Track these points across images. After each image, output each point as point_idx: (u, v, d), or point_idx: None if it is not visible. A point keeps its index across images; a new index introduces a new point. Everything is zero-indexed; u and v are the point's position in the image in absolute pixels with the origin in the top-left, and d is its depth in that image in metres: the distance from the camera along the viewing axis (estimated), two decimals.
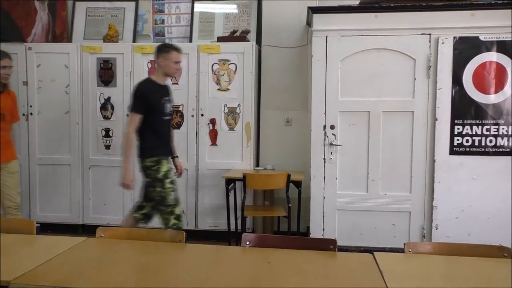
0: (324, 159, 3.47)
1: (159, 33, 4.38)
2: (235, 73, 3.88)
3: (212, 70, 3.89)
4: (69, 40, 4.33)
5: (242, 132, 3.90)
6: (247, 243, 1.88)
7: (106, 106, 4.05)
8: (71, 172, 4.10)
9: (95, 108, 4.04)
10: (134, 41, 4.27)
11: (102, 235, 1.95)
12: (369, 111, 3.40)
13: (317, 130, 3.47)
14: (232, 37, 4.03)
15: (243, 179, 3.45)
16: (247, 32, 4.09)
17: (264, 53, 4.07)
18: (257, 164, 4.07)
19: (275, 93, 4.09)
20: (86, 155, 4.07)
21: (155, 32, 4.38)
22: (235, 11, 4.22)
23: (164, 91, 3.07)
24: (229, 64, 3.86)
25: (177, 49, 3.05)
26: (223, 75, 3.88)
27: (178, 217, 3.00)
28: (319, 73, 3.44)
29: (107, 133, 4.05)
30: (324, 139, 3.46)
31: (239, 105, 3.90)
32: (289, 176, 3.49)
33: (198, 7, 4.28)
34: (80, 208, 4.11)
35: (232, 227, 3.73)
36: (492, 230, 3.29)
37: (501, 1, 3.25)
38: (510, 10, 3.24)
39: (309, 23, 3.70)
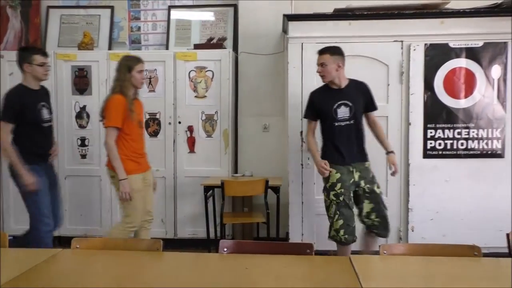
0: (302, 164, 3.49)
1: (135, 41, 4.36)
2: (212, 80, 3.89)
3: (189, 77, 3.89)
4: (43, 47, 4.26)
5: (220, 139, 3.90)
6: (225, 249, 1.88)
7: (82, 114, 3.99)
8: None
9: (70, 117, 3.97)
10: (109, 48, 4.23)
11: (78, 246, 1.91)
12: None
13: (294, 136, 3.50)
14: (209, 45, 4.05)
15: (222, 186, 3.45)
16: (223, 39, 4.12)
17: (241, 60, 4.09)
18: (236, 171, 4.07)
19: (252, 99, 4.10)
20: (61, 165, 3.98)
21: (131, 40, 4.36)
22: (212, 18, 4.24)
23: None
24: (206, 71, 3.87)
25: None
26: (200, 82, 3.88)
27: None
28: (295, 80, 3.48)
29: (82, 142, 3.99)
30: (301, 145, 3.48)
31: (216, 112, 3.90)
32: (267, 182, 3.50)
33: (175, 14, 4.27)
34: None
35: (212, 235, 3.71)
36: (465, 230, 3.37)
37: (469, 10, 3.36)
38: (478, 18, 3.36)
39: (285, 31, 3.70)
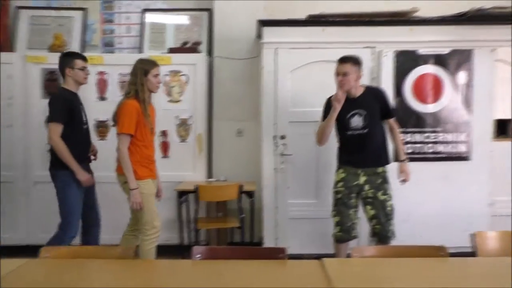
0: (276, 169, 3.52)
1: (108, 44, 4.29)
2: (186, 85, 3.87)
3: (164, 81, 3.85)
4: (12, 49, 4.14)
5: (194, 144, 3.88)
6: (198, 256, 1.88)
7: None
8: (14, 190, 3.86)
9: (40, 121, 3.86)
10: (82, 51, 4.11)
11: (47, 255, 1.87)
12: (317, 121, 3.42)
13: (268, 140, 3.53)
14: (183, 49, 4.02)
15: (196, 191, 3.43)
16: (198, 43, 4.10)
17: (216, 65, 4.08)
18: (210, 176, 4.04)
19: (227, 104, 4.09)
20: (30, 171, 3.86)
21: (104, 43, 4.29)
22: (187, 22, 4.22)
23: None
24: (180, 75, 3.85)
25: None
26: (174, 86, 3.86)
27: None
28: (269, 84, 3.52)
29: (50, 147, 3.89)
30: (275, 149, 3.51)
31: (191, 116, 3.88)
32: (241, 186, 3.51)
33: (149, 17, 4.24)
34: (25, 227, 3.87)
35: (186, 241, 3.68)
36: (435, 231, 3.45)
37: (437, 18, 3.47)
38: (445, 26, 3.48)
39: (259, 36, 3.71)
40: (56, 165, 2.93)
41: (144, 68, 2.83)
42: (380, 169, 2.93)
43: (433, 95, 3.49)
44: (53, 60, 3.82)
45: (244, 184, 3.56)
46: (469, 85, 3.49)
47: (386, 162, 2.97)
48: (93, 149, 3.18)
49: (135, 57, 3.90)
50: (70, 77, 2.97)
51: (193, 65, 3.87)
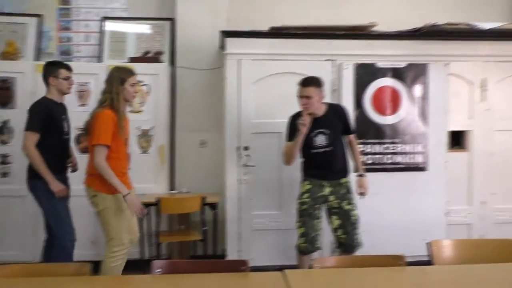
0: (239, 180, 3.52)
1: (65, 52, 4.18)
2: (148, 95, 3.81)
3: None
4: None
5: (155, 155, 3.82)
6: (158, 270, 1.83)
7: (3, 130, 3.72)
8: None
9: None
10: (37, 59, 3.99)
11: None
12: (280, 132, 3.44)
13: (231, 151, 3.53)
14: (144, 58, 3.99)
15: (157, 203, 3.37)
16: (160, 53, 4.07)
17: (179, 75, 4.05)
18: (172, 188, 3.98)
19: (190, 115, 4.06)
20: None
21: (61, 51, 4.17)
22: (148, 31, 4.17)
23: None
24: (141, 85, 3.77)
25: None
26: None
27: None
28: (232, 95, 3.52)
29: (4, 159, 3.71)
30: (239, 160, 3.51)
31: (152, 127, 3.83)
32: (204, 198, 3.48)
33: (109, 26, 4.16)
34: None
35: (147, 255, 3.61)
36: (394, 240, 3.49)
37: (394, 33, 3.60)
38: (401, 41, 3.60)
39: (222, 46, 3.74)
40: (35, 175, 2.89)
41: (120, 76, 2.74)
42: (343, 180, 3.03)
43: (391, 107, 3.59)
44: (5, 68, 3.73)
45: (207, 195, 3.53)
46: (424, 97, 3.61)
47: (348, 173, 3.08)
48: (72, 161, 3.15)
49: (94, 66, 3.91)
50: (53, 86, 2.98)
51: (155, 75, 3.82)
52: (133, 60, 3.91)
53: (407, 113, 3.60)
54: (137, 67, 3.68)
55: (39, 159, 2.85)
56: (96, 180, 2.71)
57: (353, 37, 3.55)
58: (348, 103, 3.55)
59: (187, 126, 4.05)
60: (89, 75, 3.73)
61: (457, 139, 3.78)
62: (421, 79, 3.61)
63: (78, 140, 3.65)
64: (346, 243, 2.99)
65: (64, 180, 3.01)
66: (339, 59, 3.55)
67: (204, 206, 3.48)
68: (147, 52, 4.06)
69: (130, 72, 2.80)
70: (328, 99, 3.50)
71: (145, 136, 3.83)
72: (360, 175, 3.08)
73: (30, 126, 2.88)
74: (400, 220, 3.56)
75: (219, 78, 3.93)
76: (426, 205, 3.58)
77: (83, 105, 3.73)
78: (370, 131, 3.57)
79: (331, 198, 2.99)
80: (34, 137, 2.85)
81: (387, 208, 3.57)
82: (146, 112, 3.81)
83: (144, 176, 3.76)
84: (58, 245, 2.94)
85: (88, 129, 2.75)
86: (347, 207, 2.99)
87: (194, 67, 4.01)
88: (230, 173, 3.52)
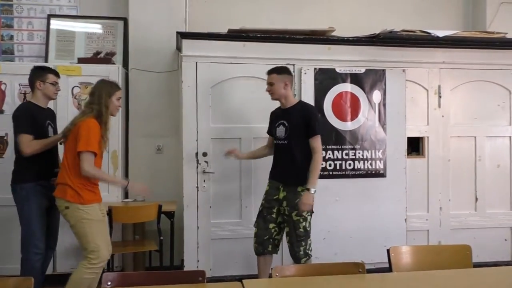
0: (197, 187, 3.47)
1: (7, 51, 4.01)
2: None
3: (72, 94, 3.67)
4: None
5: (108, 162, 3.72)
6: (109, 283, 1.77)
7: None
8: None
9: None
10: None
11: None
12: (240, 138, 3.50)
13: (189, 157, 3.48)
14: (95, 59, 3.94)
15: (109, 212, 3.26)
16: (112, 54, 4.02)
17: (132, 77, 3.97)
18: (126, 196, 3.91)
19: (144, 119, 3.99)
20: None
21: (2, 49, 4.00)
22: (99, 31, 4.08)
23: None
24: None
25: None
26: (85, 99, 3.56)
27: None
28: (190, 99, 3.47)
29: None
30: (197, 167, 3.47)
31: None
32: (160, 206, 3.42)
33: (55, 24, 4.02)
34: None
35: None
36: (354, 247, 3.60)
37: (352, 38, 3.68)
38: (360, 46, 3.67)
39: (179, 48, 3.70)
40: (15, 179, 2.94)
41: (109, 90, 2.83)
42: (300, 189, 2.94)
43: (351, 113, 3.65)
44: None
45: (164, 204, 3.49)
46: (383, 103, 3.69)
47: (304, 182, 2.94)
48: (59, 168, 3.06)
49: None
50: (39, 91, 3.02)
51: (106, 77, 3.65)
52: (82, 61, 3.82)
53: (366, 119, 3.67)
54: (86, 68, 3.69)
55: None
56: (69, 191, 2.69)
57: (312, 42, 3.59)
58: None
59: (142, 131, 3.99)
60: None
61: (415, 145, 3.88)
62: (380, 85, 3.69)
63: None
64: (290, 253, 3.01)
65: (50, 188, 2.93)
66: (298, 63, 3.58)
67: (160, 215, 3.42)
68: (97, 53, 4.00)
69: (117, 86, 2.93)
70: None
71: None
72: (306, 188, 2.90)
73: (21, 129, 2.90)
74: (361, 227, 3.63)
75: (176, 81, 3.91)
76: (386, 212, 3.66)
77: None
78: (331, 136, 3.60)
79: (284, 204, 2.98)
80: (28, 138, 2.88)
81: (348, 215, 3.62)
82: None
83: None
84: (22, 257, 2.93)
85: (67, 136, 2.76)
86: (296, 218, 2.94)
87: (149, 69, 3.96)
88: (188, 180, 3.47)
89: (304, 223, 2.96)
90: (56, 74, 3.08)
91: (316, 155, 2.94)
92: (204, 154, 3.48)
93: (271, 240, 3.02)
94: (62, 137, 2.85)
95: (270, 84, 3.05)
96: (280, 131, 3.03)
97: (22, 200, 2.91)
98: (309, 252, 2.99)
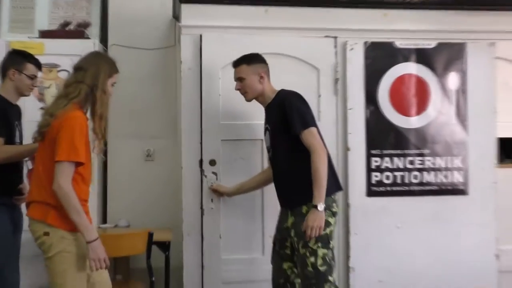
0: (202, 209, 3.30)
1: None
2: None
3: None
4: None
5: None
6: None
7: None
8: None
9: None
10: None
11: None
12: (262, 139, 3.25)
13: (191, 167, 3.35)
14: (63, 32, 3.90)
15: None
16: (86, 25, 3.97)
17: (113, 56, 3.79)
18: (104, 220, 3.95)
19: (129, 114, 3.98)
20: None
21: None
22: None
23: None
24: (58, 71, 3.68)
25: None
26: (49, 87, 3.68)
27: None
28: (191, 86, 3.38)
29: None
30: (201, 180, 3.30)
31: None
32: (150, 235, 3.30)
33: None
34: None
35: None
36: None
37: (419, 0, 3.61)
38: (430, 11, 3.55)
39: (176, 16, 3.66)
40: None
41: (108, 68, 2.64)
42: (304, 209, 2.76)
43: (416, 104, 3.54)
44: None
45: (156, 231, 3.39)
46: (462, 91, 3.58)
47: (306, 198, 2.75)
48: (21, 189, 3.09)
49: None
50: (11, 82, 3.04)
51: (77, 56, 3.43)
52: (45, 34, 3.79)
53: (438, 112, 3.55)
54: (50, 45, 3.63)
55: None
56: (51, 211, 2.54)
57: (362, 5, 3.53)
58: (356, 97, 3.46)
59: (125, 130, 3.98)
60: None
61: (509, 150, 3.79)
62: (457, 64, 3.56)
63: None
64: None
65: (14, 207, 3.02)
66: (342, 35, 3.50)
67: (151, 247, 3.35)
68: (66, 24, 3.96)
69: (116, 68, 2.75)
70: (330, 92, 3.46)
71: None
72: (312, 206, 2.70)
73: None
74: (433, 265, 3.48)
75: (172, 61, 3.93)
76: (468, 244, 3.51)
77: None
78: (388, 138, 3.50)
79: (292, 233, 2.84)
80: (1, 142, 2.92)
81: (414, 248, 3.47)
82: None
83: None
84: None
85: (42, 134, 2.59)
86: (302, 250, 2.75)
87: (135, 45, 3.96)
88: (189, 198, 3.37)
89: (312, 259, 2.72)
90: (38, 66, 3.10)
91: (314, 155, 2.72)
92: (212, 163, 3.32)
93: (288, 285, 2.90)
94: (39, 139, 2.67)
95: (239, 79, 3.00)
96: (266, 140, 3.02)
97: None
98: None
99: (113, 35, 3.97)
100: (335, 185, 2.86)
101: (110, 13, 3.98)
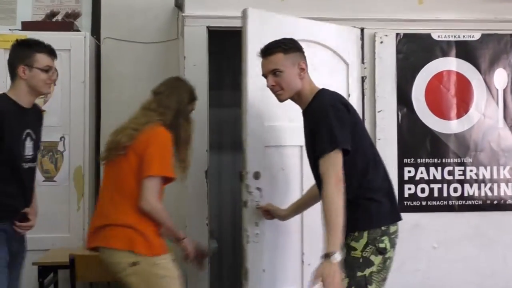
0: (248, 236, 3.00)
1: None
2: (54, 84, 3.47)
3: None
4: None
5: (69, 184, 3.80)
6: None
7: None
8: None
9: None
10: None
11: None
12: (301, 146, 3.04)
13: (197, 177, 3.43)
14: (49, 24, 3.93)
15: (71, 265, 3.24)
16: (75, 15, 4.01)
17: (106, 51, 4.04)
18: None
19: (126, 116, 3.79)
20: None
21: None
22: None
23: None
24: None
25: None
26: None
27: None
28: (197, 84, 3.26)
29: None
30: (248, 198, 2.99)
31: (62, 137, 3.82)
32: None
33: None
34: None
35: None
36: None
37: None
38: None
39: (179, 5, 3.71)
40: None
41: (190, 95, 2.98)
42: (348, 240, 2.47)
43: (457, 105, 3.56)
44: None
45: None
46: (510, 90, 3.61)
47: (351, 228, 2.42)
48: (29, 212, 3.01)
49: None
50: (23, 81, 2.87)
51: (66, 51, 3.73)
52: (29, 26, 3.85)
53: (483, 115, 3.57)
54: (35, 37, 3.57)
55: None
56: (138, 238, 2.71)
57: None
58: (387, 98, 3.49)
59: None
60: None
61: None
62: (506, 59, 3.58)
63: None
64: None
65: (12, 235, 2.91)
66: (370, 26, 3.55)
67: None
68: (52, 14, 3.98)
69: (195, 94, 3.06)
70: (356, 90, 3.44)
71: (49, 153, 3.82)
72: (324, 256, 2.33)
73: None
74: None
75: (174, 56, 3.96)
76: None
77: None
78: (423, 144, 3.52)
79: None
80: None
81: (455, 271, 3.50)
82: (51, 113, 3.68)
83: (48, 219, 3.63)
84: None
85: (117, 149, 2.81)
86: (346, 281, 2.42)
87: (131, 38, 4.01)
88: (195, 213, 3.48)
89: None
90: (51, 53, 2.93)
91: (324, 187, 2.38)
92: (257, 176, 2.98)
93: None
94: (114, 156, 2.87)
95: (273, 73, 2.57)
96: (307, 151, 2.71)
97: None
98: None
99: (107, 27, 4.00)
100: (390, 214, 2.54)
101: (103, 1, 4.02)
